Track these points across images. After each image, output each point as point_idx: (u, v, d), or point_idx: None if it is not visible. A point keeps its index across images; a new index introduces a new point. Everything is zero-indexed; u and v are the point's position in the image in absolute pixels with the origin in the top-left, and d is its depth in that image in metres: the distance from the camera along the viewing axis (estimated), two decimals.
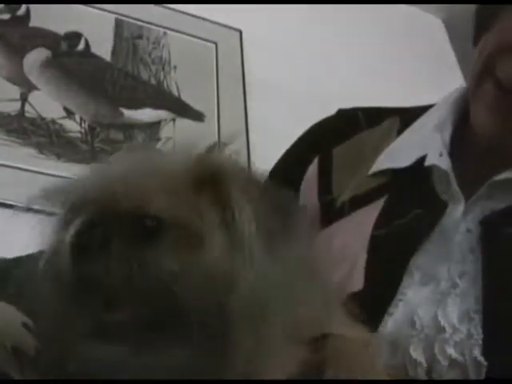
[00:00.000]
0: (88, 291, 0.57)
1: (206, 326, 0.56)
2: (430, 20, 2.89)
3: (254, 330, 0.57)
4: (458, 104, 1.03)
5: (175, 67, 2.21)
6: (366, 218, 0.94)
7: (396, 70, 2.51)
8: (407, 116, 1.06)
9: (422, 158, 0.97)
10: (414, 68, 2.56)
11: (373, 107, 1.13)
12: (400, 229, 0.91)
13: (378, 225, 0.93)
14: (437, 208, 0.93)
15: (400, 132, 1.04)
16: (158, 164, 0.63)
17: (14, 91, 1.93)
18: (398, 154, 1.00)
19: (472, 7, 1.03)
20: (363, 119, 1.09)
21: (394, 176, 0.98)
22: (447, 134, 0.99)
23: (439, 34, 2.86)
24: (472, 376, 0.82)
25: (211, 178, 0.61)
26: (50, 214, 1.79)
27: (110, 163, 0.66)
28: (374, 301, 0.81)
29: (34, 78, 1.97)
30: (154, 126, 2.03)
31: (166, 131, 2.04)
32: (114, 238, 0.58)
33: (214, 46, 2.33)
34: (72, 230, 0.58)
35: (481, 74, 0.93)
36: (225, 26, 2.38)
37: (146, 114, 2.06)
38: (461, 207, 0.92)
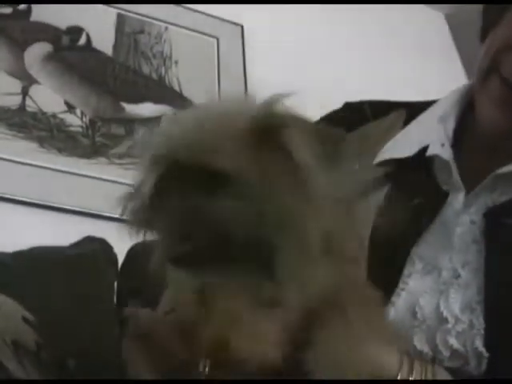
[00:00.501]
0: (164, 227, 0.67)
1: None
2: (431, 15, 2.89)
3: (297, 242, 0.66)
4: (463, 98, 1.03)
5: (176, 62, 2.22)
6: (369, 205, 0.95)
7: (398, 67, 2.52)
8: (413, 109, 1.07)
9: (424, 149, 0.97)
10: (416, 64, 2.56)
11: (379, 100, 1.13)
12: (402, 218, 0.92)
13: (380, 213, 0.94)
14: (438, 198, 0.93)
15: (406, 124, 1.05)
16: (223, 119, 0.68)
17: (16, 85, 1.93)
18: (402, 144, 1.01)
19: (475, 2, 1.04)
20: (369, 111, 1.10)
21: (397, 166, 0.99)
22: (450, 126, 1.00)
23: (441, 29, 2.86)
24: (473, 367, 0.83)
25: (273, 129, 0.66)
26: (50, 208, 1.77)
27: (183, 118, 0.71)
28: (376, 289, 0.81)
29: (35, 72, 1.98)
30: (155, 121, 2.03)
31: None
32: (186, 188, 0.66)
33: (215, 40, 2.33)
34: (152, 179, 0.68)
35: (487, 70, 0.93)
36: (226, 21, 2.39)
37: (146, 109, 2.06)
38: (461, 197, 0.92)
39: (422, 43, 2.69)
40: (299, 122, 0.69)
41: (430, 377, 0.74)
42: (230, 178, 0.65)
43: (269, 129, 0.66)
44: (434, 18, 2.89)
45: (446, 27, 2.87)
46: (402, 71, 2.48)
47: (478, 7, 1.03)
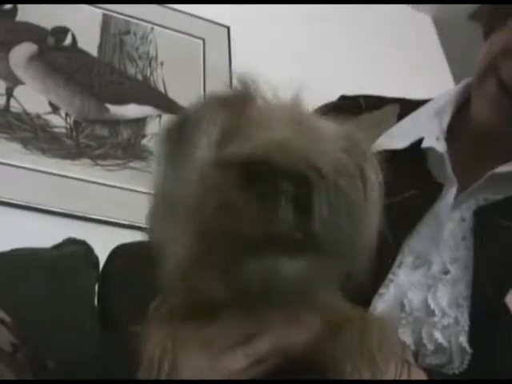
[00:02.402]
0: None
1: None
2: (418, 17, 2.90)
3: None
4: (460, 95, 1.04)
5: (162, 63, 2.21)
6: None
7: (384, 67, 2.52)
8: (408, 105, 1.08)
9: (419, 141, 0.98)
10: (402, 65, 2.57)
11: (375, 95, 1.14)
12: (395, 208, 0.93)
13: None
14: (432, 190, 0.94)
15: (400, 118, 1.05)
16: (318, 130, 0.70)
17: (0, 86, 1.92)
18: (397, 136, 1.02)
19: (462, 5, 1.05)
20: (364, 104, 1.10)
21: (391, 157, 0.99)
22: (445, 121, 1.01)
23: (427, 31, 2.87)
24: (456, 362, 0.84)
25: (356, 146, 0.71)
26: (33, 209, 1.76)
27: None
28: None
29: (19, 73, 1.97)
30: (139, 122, 2.02)
31: (151, 127, 2.04)
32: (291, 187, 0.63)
33: (201, 42, 2.33)
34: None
35: (485, 71, 0.94)
36: (213, 22, 2.38)
37: (131, 110, 2.06)
38: (453, 191, 0.93)
39: (408, 44, 2.70)
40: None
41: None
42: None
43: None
44: (420, 19, 2.89)
45: (433, 29, 2.88)
46: (389, 71, 2.49)
47: (466, 8, 1.04)
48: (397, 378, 0.73)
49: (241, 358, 0.71)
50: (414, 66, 2.59)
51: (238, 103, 0.69)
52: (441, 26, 2.79)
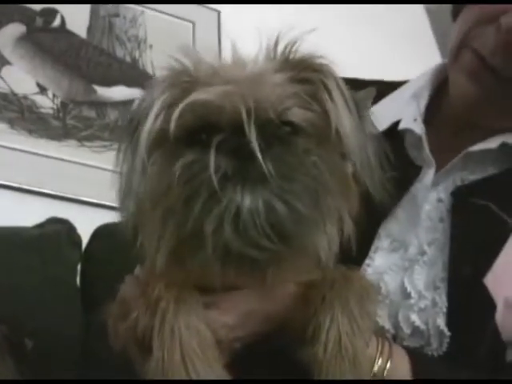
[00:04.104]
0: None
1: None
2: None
3: None
4: (436, 76, 1.04)
5: (151, 46, 2.20)
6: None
7: (377, 51, 2.51)
8: (385, 88, 1.07)
9: (396, 124, 0.98)
10: (393, 48, 2.56)
11: (349, 78, 1.13)
12: (371, 193, 0.93)
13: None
14: (409, 173, 0.94)
15: (376, 100, 1.05)
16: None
17: None
18: (374, 119, 1.01)
19: None
20: None
21: None
22: (423, 103, 1.00)
23: (419, 15, 2.86)
24: (434, 345, 0.83)
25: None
26: (19, 189, 1.75)
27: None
28: (343, 264, 0.81)
29: (7, 53, 1.96)
30: (127, 104, 2.01)
31: None
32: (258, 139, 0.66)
33: (191, 25, 2.32)
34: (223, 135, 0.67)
35: (459, 46, 0.94)
36: (203, 6, 2.37)
37: (119, 92, 2.05)
38: (431, 172, 0.93)
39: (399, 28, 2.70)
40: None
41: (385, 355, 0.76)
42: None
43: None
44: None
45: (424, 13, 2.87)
46: (380, 55, 2.48)
47: None
48: (378, 354, 0.75)
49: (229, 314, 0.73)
50: (406, 54, 2.59)
51: (179, 77, 0.75)
52: (432, 11, 2.79)
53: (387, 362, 0.75)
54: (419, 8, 2.88)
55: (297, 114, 0.70)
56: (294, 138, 0.69)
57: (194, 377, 0.68)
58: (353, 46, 2.49)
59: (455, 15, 0.99)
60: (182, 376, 0.67)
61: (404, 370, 0.77)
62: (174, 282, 0.71)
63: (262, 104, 0.67)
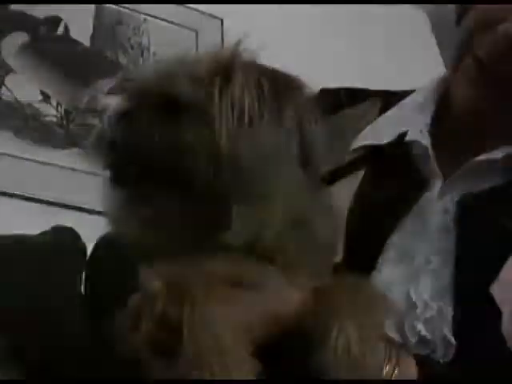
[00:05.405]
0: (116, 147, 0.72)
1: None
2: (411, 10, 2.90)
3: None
4: (440, 87, 1.04)
5: (154, 54, 2.21)
6: (344, 190, 0.95)
7: (378, 62, 2.52)
8: (389, 98, 1.07)
9: (403, 135, 0.98)
10: (393, 57, 2.57)
11: (355, 88, 1.13)
12: (380, 204, 0.92)
13: (356, 198, 0.94)
14: (418, 184, 0.94)
15: (381, 112, 1.05)
16: (185, 61, 0.76)
17: None
18: (380, 131, 1.01)
19: None
20: (345, 98, 1.10)
21: (375, 151, 0.99)
22: (428, 114, 1.01)
23: (421, 24, 2.87)
24: (439, 353, 0.83)
25: (223, 69, 0.73)
26: (23, 197, 1.75)
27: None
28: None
29: (11, 61, 1.97)
30: None
31: None
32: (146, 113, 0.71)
33: (194, 33, 2.32)
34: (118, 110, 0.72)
35: (461, 53, 0.94)
36: (206, 14, 2.37)
37: None
38: (438, 184, 0.93)
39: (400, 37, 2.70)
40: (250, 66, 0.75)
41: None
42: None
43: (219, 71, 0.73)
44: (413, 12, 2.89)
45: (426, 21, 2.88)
46: (381, 66, 2.49)
47: None
48: (386, 360, 0.74)
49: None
50: (405, 56, 2.60)
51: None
52: (434, 18, 2.79)
53: (394, 369, 0.75)
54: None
55: None
56: None
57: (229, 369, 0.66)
58: (353, 56, 2.50)
59: (459, 19, 1.00)
60: (216, 370, 0.65)
61: (411, 378, 0.77)
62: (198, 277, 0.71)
63: None
